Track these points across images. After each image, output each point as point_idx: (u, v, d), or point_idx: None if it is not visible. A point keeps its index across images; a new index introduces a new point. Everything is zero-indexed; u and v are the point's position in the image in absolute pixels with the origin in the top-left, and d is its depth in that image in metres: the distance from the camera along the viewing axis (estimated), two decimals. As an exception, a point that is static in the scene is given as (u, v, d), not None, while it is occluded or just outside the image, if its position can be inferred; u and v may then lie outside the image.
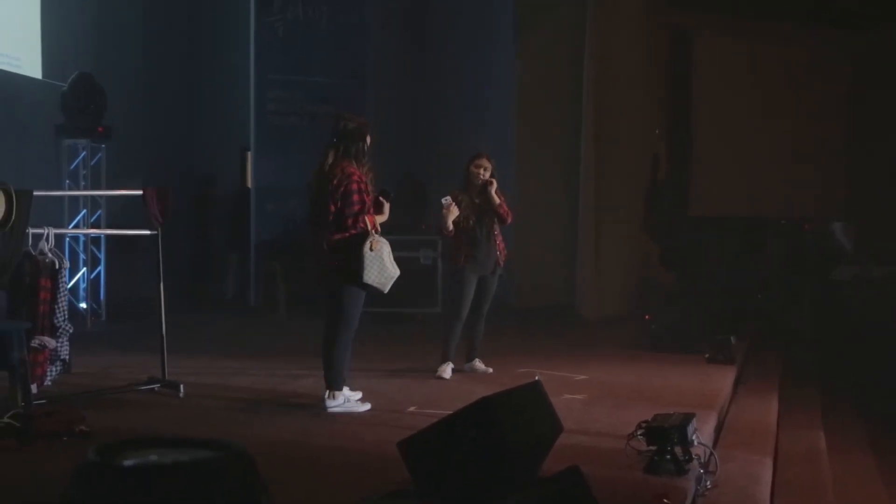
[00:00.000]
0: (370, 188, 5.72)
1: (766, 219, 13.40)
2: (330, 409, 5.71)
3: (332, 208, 5.63)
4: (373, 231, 5.66)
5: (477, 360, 7.36)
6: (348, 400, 5.78)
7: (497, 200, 7.10)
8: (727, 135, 13.15)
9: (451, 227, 6.97)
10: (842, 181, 13.79)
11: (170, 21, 12.23)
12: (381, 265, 5.63)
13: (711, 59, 13.30)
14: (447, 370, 7.05)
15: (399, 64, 13.07)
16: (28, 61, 10.31)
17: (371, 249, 5.59)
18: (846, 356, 9.95)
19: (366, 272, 5.57)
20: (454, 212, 6.95)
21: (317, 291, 6.43)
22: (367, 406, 5.80)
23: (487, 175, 7.11)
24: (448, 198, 6.99)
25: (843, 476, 5.55)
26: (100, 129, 9.78)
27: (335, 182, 5.63)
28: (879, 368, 8.97)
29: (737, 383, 7.64)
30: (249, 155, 11.84)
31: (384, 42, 12.53)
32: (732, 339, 8.25)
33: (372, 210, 5.70)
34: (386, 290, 5.74)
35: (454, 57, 12.97)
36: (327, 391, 5.77)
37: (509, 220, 7.22)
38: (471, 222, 7.07)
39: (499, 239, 7.23)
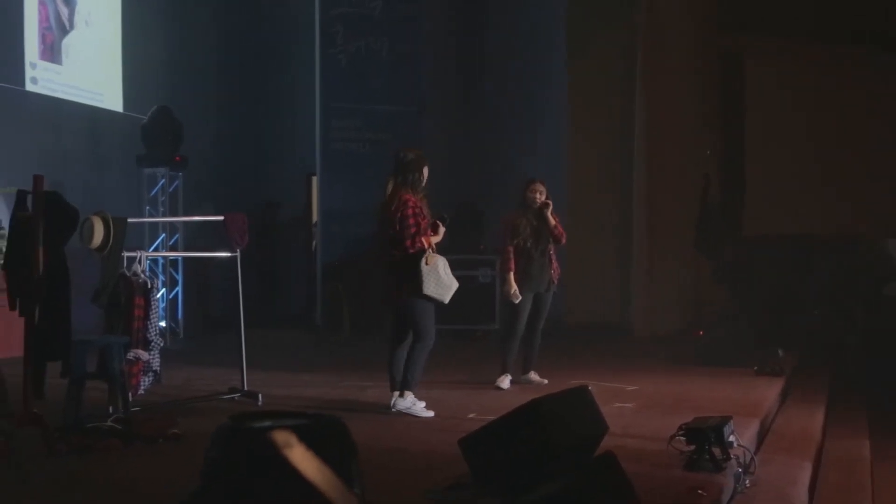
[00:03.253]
0: (426, 212, 6.25)
1: (819, 236, 13.48)
2: (398, 408, 6.18)
3: (392, 232, 6.17)
4: (429, 249, 6.17)
5: (532, 372, 7.73)
6: (415, 403, 6.24)
7: (553, 222, 7.52)
8: (779, 154, 13.29)
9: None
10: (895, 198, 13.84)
11: (241, 56, 12.82)
12: (437, 277, 6.14)
13: (762, 80, 13.43)
14: (506, 381, 7.45)
15: (455, 92, 13.55)
16: (110, 96, 11.00)
17: (427, 264, 6.11)
18: (896, 371, 10.04)
19: (425, 284, 6.10)
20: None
21: (380, 310, 6.93)
22: (431, 413, 6.23)
23: (543, 198, 7.56)
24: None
25: (886, 483, 5.73)
26: (177, 158, 10.35)
27: (393, 209, 6.20)
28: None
29: (784, 395, 7.83)
30: (315, 180, 12.38)
31: (441, 71, 13.02)
32: (780, 351, 8.46)
33: (429, 232, 6.23)
34: (446, 301, 6.22)
35: (507, 84, 13.41)
36: (396, 392, 6.24)
37: (563, 241, 7.63)
38: (528, 243, 7.50)
39: (553, 258, 7.65)
